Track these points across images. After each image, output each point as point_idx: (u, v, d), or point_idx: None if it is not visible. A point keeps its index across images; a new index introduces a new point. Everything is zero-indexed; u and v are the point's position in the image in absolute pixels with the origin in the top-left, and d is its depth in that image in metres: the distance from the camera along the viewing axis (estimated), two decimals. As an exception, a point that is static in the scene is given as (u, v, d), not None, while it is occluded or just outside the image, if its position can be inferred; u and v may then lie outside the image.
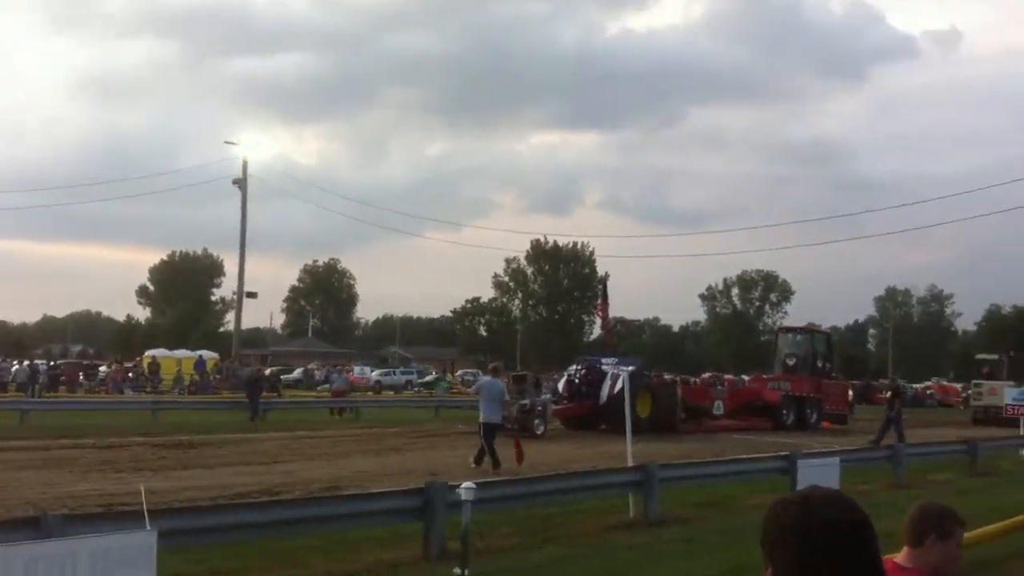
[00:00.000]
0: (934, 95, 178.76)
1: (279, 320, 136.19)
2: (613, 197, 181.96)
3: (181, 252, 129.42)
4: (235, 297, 66.46)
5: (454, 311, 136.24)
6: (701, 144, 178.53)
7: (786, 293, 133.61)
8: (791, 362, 38.09)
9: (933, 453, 22.35)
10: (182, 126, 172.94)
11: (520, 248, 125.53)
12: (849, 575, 1.96)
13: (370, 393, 58.67)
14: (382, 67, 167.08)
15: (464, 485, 10.20)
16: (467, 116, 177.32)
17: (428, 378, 71.54)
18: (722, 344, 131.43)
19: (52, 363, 63.02)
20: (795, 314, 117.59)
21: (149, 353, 67.94)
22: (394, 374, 75.98)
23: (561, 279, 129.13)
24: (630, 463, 15.21)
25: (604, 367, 30.25)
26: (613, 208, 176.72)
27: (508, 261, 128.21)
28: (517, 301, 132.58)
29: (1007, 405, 42.41)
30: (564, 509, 13.94)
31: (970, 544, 8.96)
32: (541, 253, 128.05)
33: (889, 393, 32.59)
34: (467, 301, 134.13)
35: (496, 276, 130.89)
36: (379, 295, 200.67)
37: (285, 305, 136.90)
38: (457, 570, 9.58)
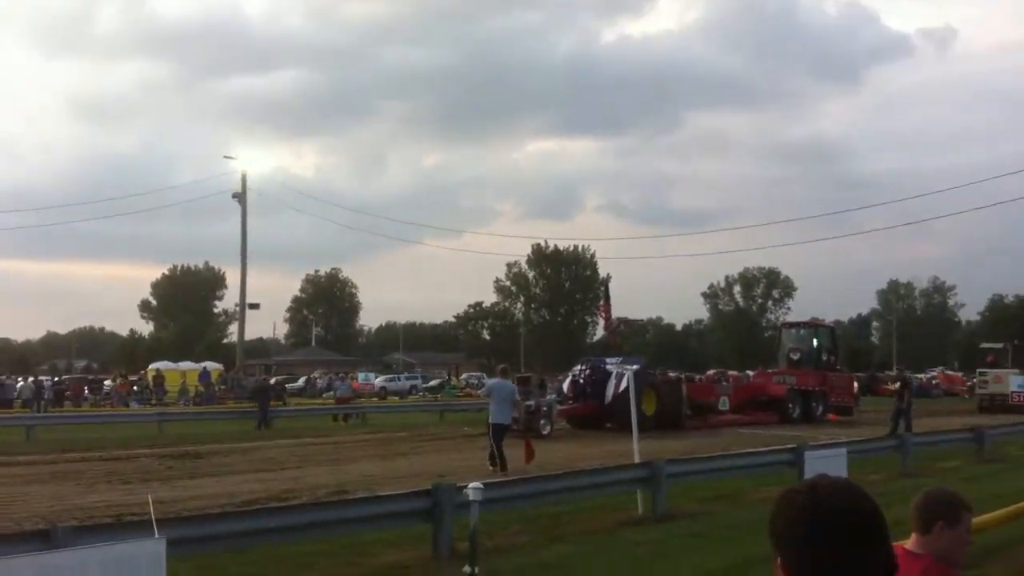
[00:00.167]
0: (930, 93, 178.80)
1: (282, 330, 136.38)
2: (613, 201, 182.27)
3: (182, 266, 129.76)
4: (237, 309, 66.58)
5: (457, 316, 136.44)
6: (700, 148, 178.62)
7: (788, 289, 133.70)
8: (795, 356, 38.06)
9: (940, 442, 22.34)
10: (180, 145, 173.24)
11: (521, 253, 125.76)
12: (859, 562, 1.95)
13: (375, 399, 58.70)
14: (378, 80, 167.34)
15: (471, 485, 10.20)
16: (464, 127, 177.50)
17: (433, 383, 71.52)
18: (725, 341, 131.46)
19: (57, 379, 63.06)
20: (798, 310, 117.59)
21: (153, 366, 67.92)
22: (399, 380, 75.99)
23: (563, 282, 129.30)
24: (637, 460, 15.21)
25: (608, 367, 30.26)
26: (613, 212, 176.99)
27: (509, 266, 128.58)
28: (519, 305, 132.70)
29: (1012, 392, 42.59)
30: (573, 507, 13.94)
31: (978, 530, 8.96)
32: (542, 257, 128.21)
33: (898, 384, 32.67)
34: (470, 306, 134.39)
35: (498, 281, 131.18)
36: (381, 303, 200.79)
37: (288, 315, 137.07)
38: (467, 569, 9.60)
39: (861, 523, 1.97)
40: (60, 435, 30.70)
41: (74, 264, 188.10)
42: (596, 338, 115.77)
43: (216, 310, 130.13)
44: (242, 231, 60.65)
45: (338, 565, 10.82)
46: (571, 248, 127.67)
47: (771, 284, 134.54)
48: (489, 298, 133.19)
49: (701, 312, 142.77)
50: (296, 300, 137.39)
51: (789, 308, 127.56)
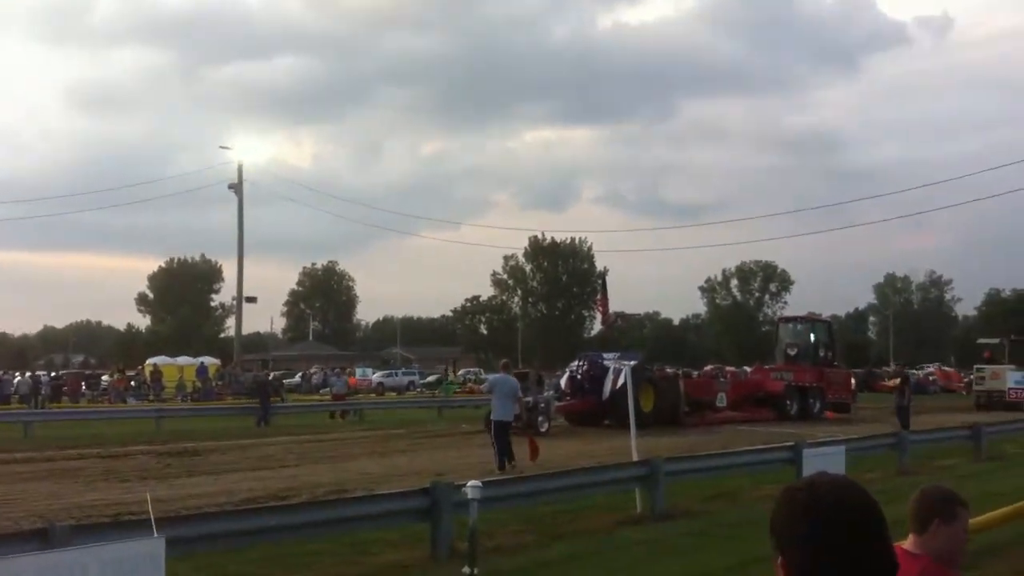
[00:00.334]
0: (927, 81, 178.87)
1: (280, 324, 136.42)
2: (610, 192, 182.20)
3: (179, 259, 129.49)
4: (235, 302, 66.51)
5: (454, 310, 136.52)
6: (697, 136, 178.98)
7: (785, 283, 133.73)
8: (793, 352, 38.04)
9: (938, 439, 22.35)
10: (178, 133, 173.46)
11: (518, 245, 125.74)
12: (859, 559, 1.95)
13: (373, 395, 58.66)
14: (375, 68, 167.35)
15: (470, 484, 10.20)
16: (461, 115, 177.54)
17: (431, 378, 71.52)
18: (723, 336, 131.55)
19: (54, 374, 62.98)
20: (795, 304, 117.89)
21: (151, 361, 67.91)
22: (396, 375, 75.94)
23: (560, 275, 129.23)
24: (635, 458, 15.21)
25: (606, 362, 30.19)
26: (610, 203, 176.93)
27: (507, 259, 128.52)
28: (517, 298, 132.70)
29: (1009, 389, 42.51)
30: (571, 506, 13.94)
31: (976, 530, 8.95)
32: (539, 250, 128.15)
33: (898, 380, 32.76)
34: (467, 300, 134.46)
35: (495, 274, 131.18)
36: (379, 296, 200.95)
37: (285, 309, 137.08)
38: (466, 569, 9.59)
39: (861, 521, 1.97)
40: (58, 431, 30.71)
41: (71, 256, 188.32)
42: (593, 332, 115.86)
43: (213, 303, 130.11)
44: (239, 223, 60.47)
45: (337, 564, 10.82)
46: (568, 241, 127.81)
47: (768, 278, 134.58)
48: (486, 292, 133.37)
49: (698, 306, 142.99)
50: (293, 294, 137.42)
51: (786, 302, 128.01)
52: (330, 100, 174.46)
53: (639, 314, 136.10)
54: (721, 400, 33.91)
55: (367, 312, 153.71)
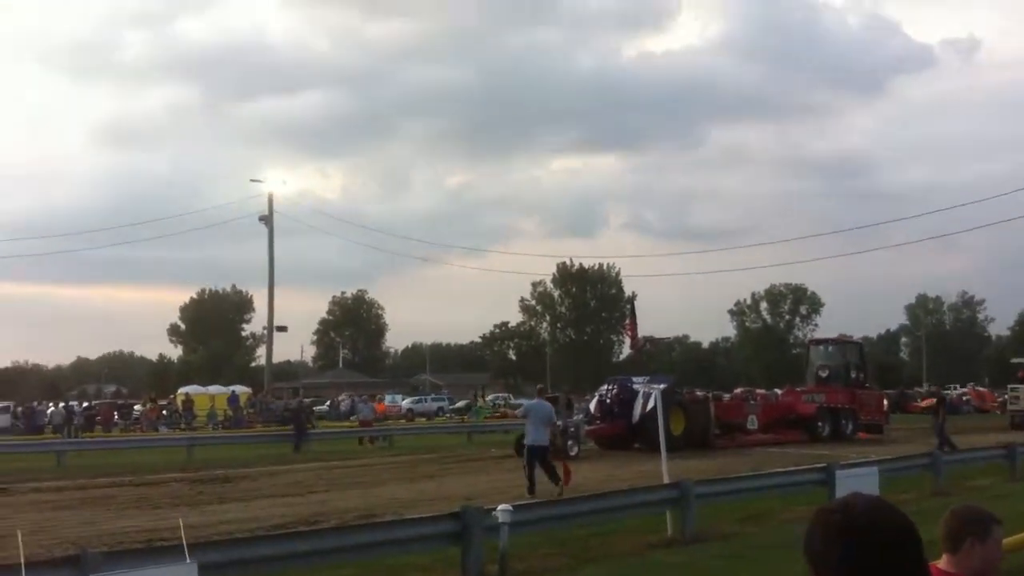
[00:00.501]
0: (954, 104, 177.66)
1: (310, 352, 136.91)
2: (637, 218, 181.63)
3: (210, 290, 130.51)
4: (265, 332, 66.86)
5: (483, 336, 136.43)
6: (724, 162, 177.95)
7: (815, 305, 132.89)
8: (824, 374, 37.83)
9: (972, 459, 22.11)
10: (207, 169, 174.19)
11: (546, 272, 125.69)
12: (895, 579, 1.95)
13: (403, 421, 58.68)
14: (401, 101, 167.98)
15: (501, 508, 10.19)
16: (486, 145, 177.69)
17: (460, 404, 71.45)
18: (753, 359, 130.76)
19: (87, 404, 63.44)
20: (825, 326, 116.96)
21: (182, 390, 68.28)
22: (425, 401, 75.98)
23: (588, 300, 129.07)
24: (666, 480, 15.12)
25: (635, 386, 30.14)
26: (638, 229, 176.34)
27: (535, 285, 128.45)
28: (545, 324, 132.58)
29: (1044, 408, 42.00)
30: (603, 529, 13.88)
31: (1009, 549, 8.83)
32: (567, 276, 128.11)
33: (935, 400, 32.61)
34: (495, 326, 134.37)
35: (523, 300, 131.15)
36: (408, 324, 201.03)
37: (315, 337, 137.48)
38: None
39: (896, 542, 1.97)
40: (90, 460, 30.91)
41: (103, 289, 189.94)
42: (623, 356, 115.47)
43: (244, 333, 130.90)
44: (269, 253, 61.05)
45: (367, 589, 10.81)
46: (596, 266, 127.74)
47: (798, 300, 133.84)
48: (515, 318, 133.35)
49: (728, 330, 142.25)
50: (323, 322, 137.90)
51: (816, 325, 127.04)
52: (356, 133, 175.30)
53: (668, 338, 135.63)
54: (752, 423, 33.71)
55: (396, 340, 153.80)
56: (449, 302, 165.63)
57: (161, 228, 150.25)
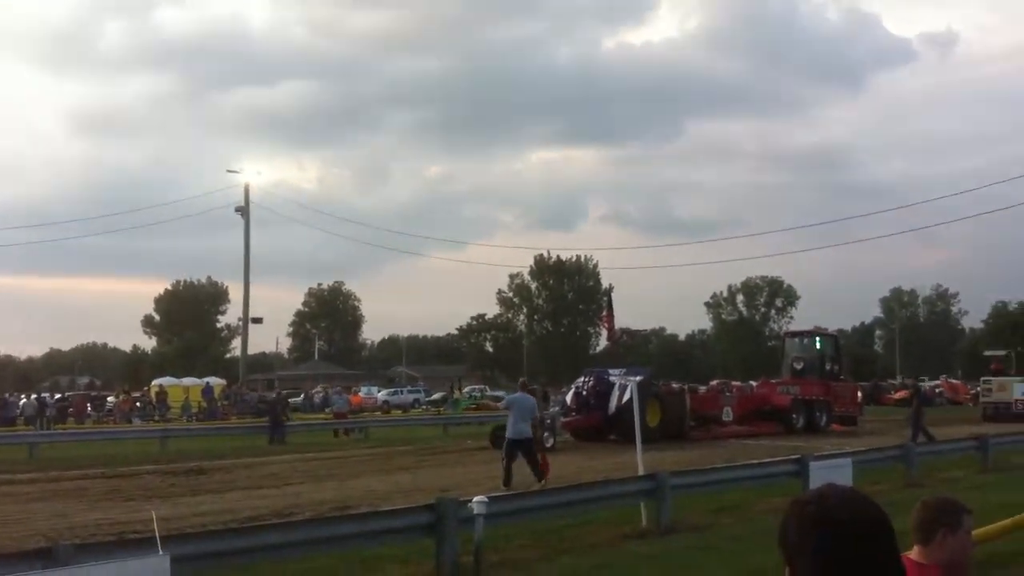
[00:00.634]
0: (932, 98, 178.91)
1: (285, 344, 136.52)
2: (617, 211, 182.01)
3: (185, 281, 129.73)
4: (241, 323, 66.62)
5: (460, 328, 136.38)
6: (703, 155, 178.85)
7: (791, 298, 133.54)
8: (799, 366, 38.03)
9: (945, 451, 22.29)
10: (183, 158, 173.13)
11: (524, 264, 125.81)
12: (869, 571, 1.96)
13: (378, 413, 58.59)
14: (379, 92, 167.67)
15: (476, 499, 10.17)
16: (466, 137, 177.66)
17: (436, 396, 71.43)
18: (729, 351, 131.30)
19: (59, 395, 63.02)
20: (800, 318, 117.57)
21: (156, 382, 67.98)
22: (402, 393, 75.94)
23: (565, 293, 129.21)
24: (641, 472, 15.17)
25: (612, 378, 30.21)
26: (617, 221, 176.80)
27: (512, 277, 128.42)
28: (522, 316, 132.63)
29: (1016, 400, 42.46)
30: (577, 520, 13.89)
31: (983, 540, 8.91)
32: (545, 268, 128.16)
33: (911, 391, 33.05)
34: (472, 318, 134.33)
35: (500, 292, 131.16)
36: (384, 316, 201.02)
37: (291, 329, 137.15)
38: (471, 584, 9.56)
39: (870, 533, 1.98)
40: (63, 452, 30.70)
41: (77, 280, 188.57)
42: (599, 349, 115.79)
43: (219, 325, 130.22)
44: (245, 244, 60.92)
45: (342, 581, 10.78)
46: (574, 259, 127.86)
47: (774, 293, 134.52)
48: (492, 310, 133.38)
49: (704, 322, 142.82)
50: (299, 314, 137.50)
51: (792, 317, 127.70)
52: (335, 123, 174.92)
53: (645, 330, 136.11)
54: (727, 414, 33.89)
55: (373, 332, 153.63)
56: (426, 294, 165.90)
57: (136, 219, 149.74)
